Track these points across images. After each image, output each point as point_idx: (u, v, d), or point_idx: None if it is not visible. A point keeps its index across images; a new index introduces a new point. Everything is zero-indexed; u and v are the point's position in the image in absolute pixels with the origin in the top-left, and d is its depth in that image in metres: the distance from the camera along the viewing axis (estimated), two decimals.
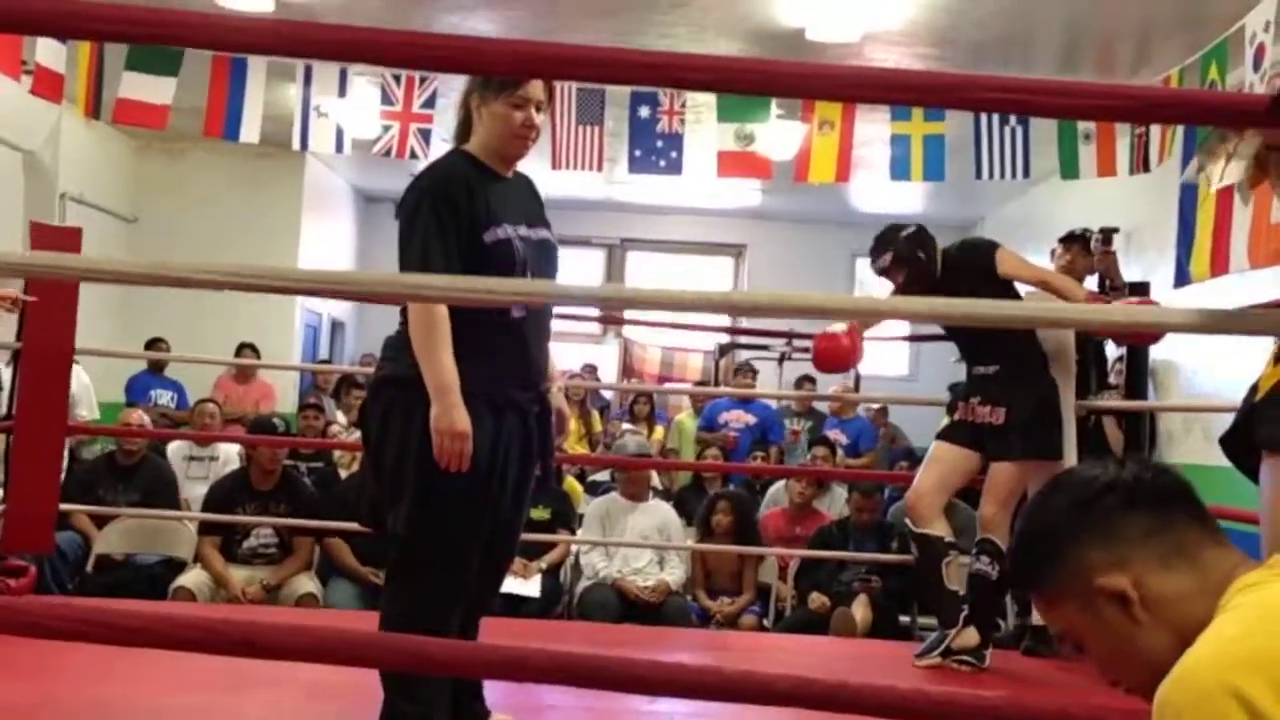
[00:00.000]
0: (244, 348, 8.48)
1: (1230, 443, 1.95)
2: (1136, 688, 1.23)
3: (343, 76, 6.27)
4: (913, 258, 4.01)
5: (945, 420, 4.27)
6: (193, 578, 5.14)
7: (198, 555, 5.27)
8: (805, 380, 8.89)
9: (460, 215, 2.54)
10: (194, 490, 6.24)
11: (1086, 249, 5.17)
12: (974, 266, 3.98)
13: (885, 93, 1.36)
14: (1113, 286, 5.34)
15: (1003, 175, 6.04)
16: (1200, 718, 1.05)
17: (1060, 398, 4.04)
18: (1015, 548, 1.32)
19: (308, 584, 5.23)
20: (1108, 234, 5.50)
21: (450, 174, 2.61)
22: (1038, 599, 1.30)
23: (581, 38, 6.21)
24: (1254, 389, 1.92)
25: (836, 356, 4.18)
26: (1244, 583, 1.19)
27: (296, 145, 6.19)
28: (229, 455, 6.50)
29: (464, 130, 2.72)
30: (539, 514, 5.61)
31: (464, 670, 2.34)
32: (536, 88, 2.61)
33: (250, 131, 6.09)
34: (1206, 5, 5.21)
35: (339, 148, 6.33)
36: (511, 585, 5.36)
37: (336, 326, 11.36)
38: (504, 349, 2.59)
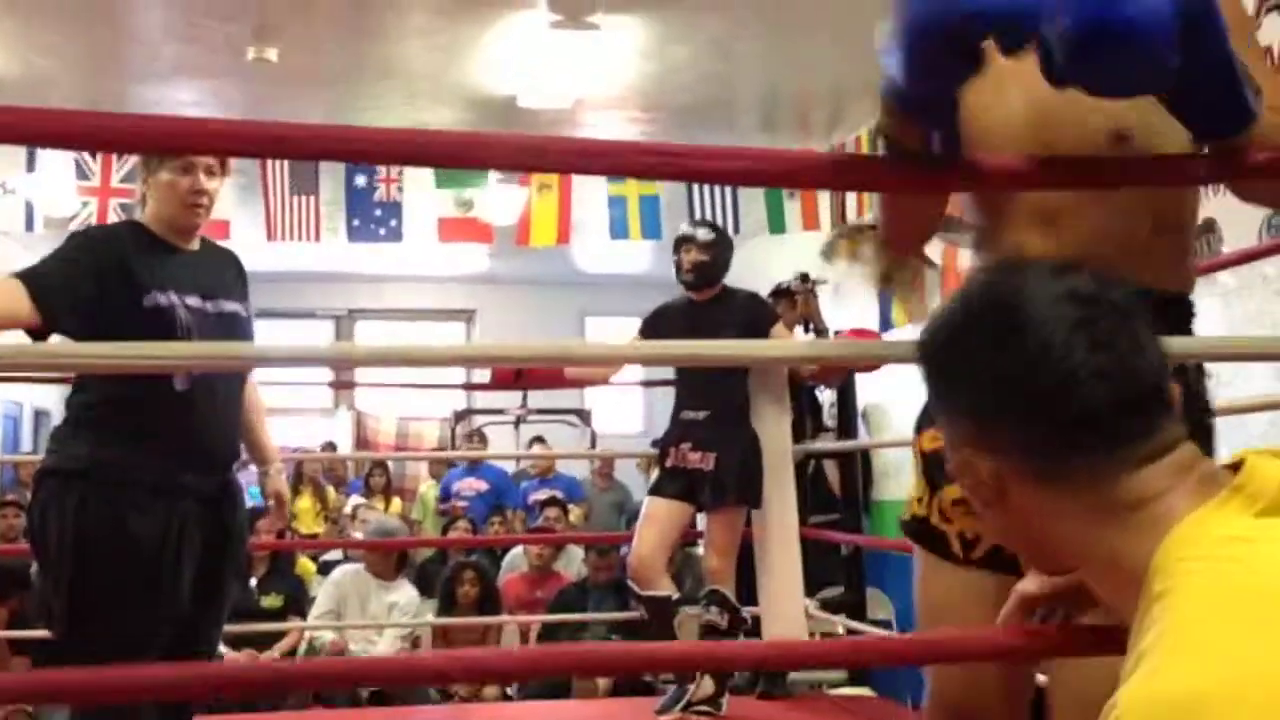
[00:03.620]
0: None
1: None
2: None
3: (30, 152, 5.91)
4: (717, 257, 4.05)
5: (656, 472, 4.27)
6: None
7: None
8: (536, 441, 8.89)
9: (106, 269, 2.40)
10: None
11: (794, 302, 5.41)
12: (750, 321, 3.98)
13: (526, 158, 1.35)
14: (816, 330, 5.59)
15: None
16: None
17: (761, 446, 4.10)
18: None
19: None
20: (804, 276, 5.77)
21: (109, 231, 2.61)
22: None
23: (293, 108, 6.07)
24: None
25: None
26: (1213, 530, 0.93)
27: None
28: None
29: (140, 205, 2.63)
30: (271, 602, 5.37)
31: None
32: (201, 156, 2.49)
33: None
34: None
35: (29, 226, 5.95)
36: None
37: (40, 416, 10.60)
38: (169, 427, 2.41)
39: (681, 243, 4.12)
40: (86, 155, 6.00)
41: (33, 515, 2.44)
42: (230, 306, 2.59)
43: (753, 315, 4.05)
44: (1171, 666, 0.85)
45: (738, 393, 4.06)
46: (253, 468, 7.97)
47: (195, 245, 2.61)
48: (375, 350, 1.78)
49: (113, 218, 6.05)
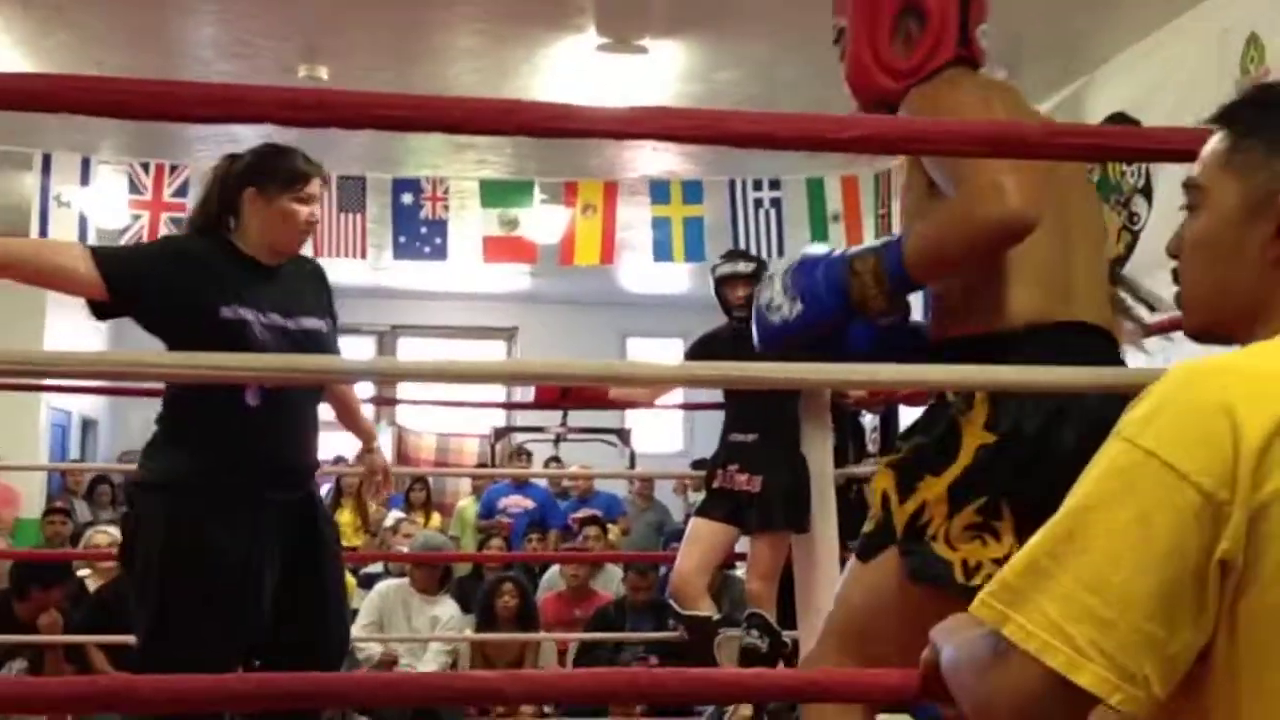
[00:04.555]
0: None
1: None
2: (1185, 297, 1.13)
3: (85, 165, 6.01)
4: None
5: (703, 493, 4.27)
6: None
7: None
8: (553, 461, 8.93)
9: (181, 271, 2.46)
10: None
11: None
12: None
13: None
14: None
15: (759, 255, 6.27)
16: (1182, 425, 0.95)
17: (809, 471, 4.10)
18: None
19: None
20: None
21: (194, 241, 2.58)
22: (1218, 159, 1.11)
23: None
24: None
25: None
26: None
27: (34, 235, 5.88)
28: None
29: (211, 220, 2.59)
30: None
31: None
32: (317, 184, 2.60)
33: None
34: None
35: (83, 238, 6.04)
36: None
37: (88, 425, 10.74)
38: (240, 441, 2.44)
39: (725, 281, 4.14)
40: (139, 169, 6.10)
41: (125, 527, 2.57)
42: (311, 323, 2.58)
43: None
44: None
45: (787, 416, 4.01)
46: None
47: (280, 263, 2.61)
48: (420, 365, 1.79)
49: (163, 231, 6.14)
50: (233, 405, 2.39)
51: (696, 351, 4.23)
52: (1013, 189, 1.60)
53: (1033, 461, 1.71)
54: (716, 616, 4.05)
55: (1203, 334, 1.14)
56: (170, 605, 2.37)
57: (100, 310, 2.45)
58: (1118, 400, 1.18)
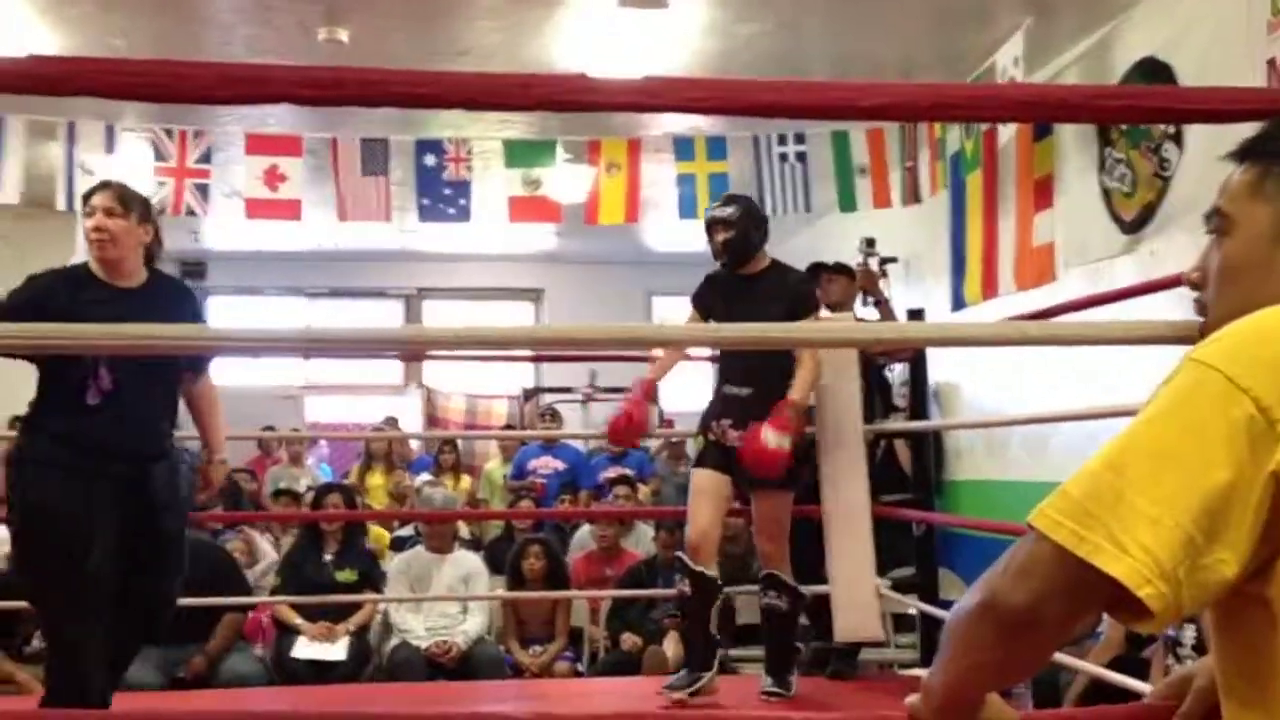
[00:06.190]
0: None
1: None
2: (1213, 316, 1.18)
3: (109, 133, 6.02)
4: (747, 229, 4.00)
5: (699, 441, 4.21)
6: None
7: None
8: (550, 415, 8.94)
9: (32, 304, 2.93)
10: None
11: (852, 277, 5.36)
12: (796, 305, 3.91)
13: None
14: (877, 302, 5.53)
15: (785, 210, 6.23)
16: (1245, 345, 1.01)
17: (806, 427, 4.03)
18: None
19: None
20: (870, 241, 5.72)
21: (55, 275, 3.15)
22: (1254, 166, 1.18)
23: None
24: None
25: (629, 432, 4.20)
26: None
27: (62, 205, 5.90)
28: None
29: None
30: (346, 576, 5.45)
31: None
32: (100, 197, 3.12)
33: (9, 192, 5.78)
34: (962, 42, 5.49)
35: None
36: (316, 650, 5.18)
37: None
38: (80, 428, 3.00)
39: (710, 226, 4.09)
40: (164, 136, 6.10)
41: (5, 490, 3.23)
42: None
43: (794, 296, 3.96)
44: None
45: (782, 371, 3.90)
46: (324, 448, 8.02)
47: (136, 283, 3.15)
48: (445, 331, 1.80)
49: (188, 197, 6.15)
50: (76, 399, 2.98)
51: (699, 292, 4.19)
52: None
53: None
54: (720, 580, 3.99)
55: None
56: (27, 555, 3.03)
57: None
58: None
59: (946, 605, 4.99)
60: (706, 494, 3.99)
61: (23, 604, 3.45)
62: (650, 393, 4.18)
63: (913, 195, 6.21)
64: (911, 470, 5.48)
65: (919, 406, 5.32)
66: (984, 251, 5.79)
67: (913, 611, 4.99)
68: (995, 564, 1.04)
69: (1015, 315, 4.32)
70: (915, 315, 5.56)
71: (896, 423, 5.53)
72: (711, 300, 4.10)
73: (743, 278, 4.06)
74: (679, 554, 4.10)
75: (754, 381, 3.95)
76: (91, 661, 2.94)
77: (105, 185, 3.21)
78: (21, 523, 3.01)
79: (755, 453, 3.76)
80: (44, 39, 5.41)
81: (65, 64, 1.58)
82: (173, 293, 3.25)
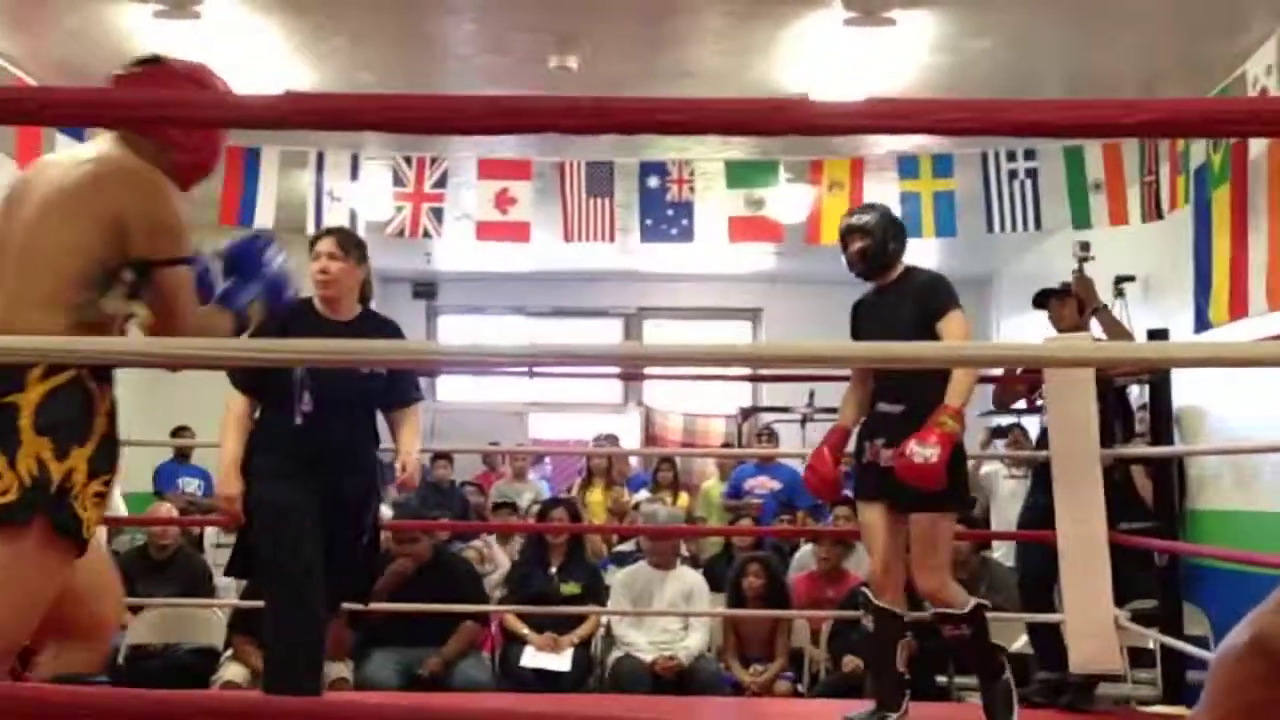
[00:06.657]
0: None
1: None
2: None
3: (354, 161, 6.37)
4: (882, 237, 3.87)
5: (851, 464, 4.03)
6: (236, 670, 5.05)
7: (232, 649, 5.17)
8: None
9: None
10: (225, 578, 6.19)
11: (1065, 299, 5.17)
12: (926, 302, 3.77)
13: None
14: (1094, 310, 5.31)
15: (1014, 228, 6.07)
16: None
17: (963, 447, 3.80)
18: None
19: (340, 669, 5.14)
20: (1084, 244, 5.51)
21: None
22: None
23: None
24: None
25: (823, 486, 4.06)
26: None
27: (310, 230, 6.26)
28: None
29: None
30: (569, 589, 5.59)
31: None
32: (324, 242, 3.60)
33: (264, 217, 6.18)
34: (1208, 51, 5.24)
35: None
36: (543, 660, 5.33)
37: None
38: (290, 444, 3.47)
39: (845, 235, 3.93)
40: (403, 163, 6.41)
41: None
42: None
43: (919, 293, 3.79)
44: None
45: (936, 385, 3.64)
46: (546, 465, 8.27)
47: (351, 318, 3.62)
48: (664, 348, 1.84)
49: (424, 220, 6.44)
50: (286, 419, 3.45)
51: (851, 321, 4.03)
52: None
53: None
54: (908, 617, 3.86)
55: None
56: (256, 546, 3.51)
57: None
58: None
59: (1191, 640, 4.74)
60: (873, 527, 3.82)
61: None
62: (839, 444, 3.95)
63: (1153, 211, 5.94)
64: (1152, 498, 5.23)
65: (1161, 431, 5.08)
66: (1232, 269, 5.48)
67: (1152, 646, 4.75)
68: (1265, 601, 0.99)
69: (1267, 336, 4.08)
70: (1157, 335, 5.31)
71: (1138, 448, 5.29)
72: (857, 324, 4.00)
73: (881, 291, 3.95)
74: (863, 588, 3.99)
75: (907, 397, 3.73)
76: (312, 632, 3.42)
77: (329, 231, 3.72)
78: (248, 519, 3.51)
79: (903, 468, 3.60)
80: (300, 74, 5.78)
81: (348, 101, 1.69)
82: (380, 326, 3.69)
